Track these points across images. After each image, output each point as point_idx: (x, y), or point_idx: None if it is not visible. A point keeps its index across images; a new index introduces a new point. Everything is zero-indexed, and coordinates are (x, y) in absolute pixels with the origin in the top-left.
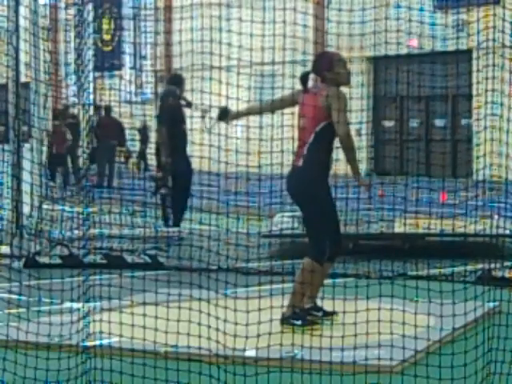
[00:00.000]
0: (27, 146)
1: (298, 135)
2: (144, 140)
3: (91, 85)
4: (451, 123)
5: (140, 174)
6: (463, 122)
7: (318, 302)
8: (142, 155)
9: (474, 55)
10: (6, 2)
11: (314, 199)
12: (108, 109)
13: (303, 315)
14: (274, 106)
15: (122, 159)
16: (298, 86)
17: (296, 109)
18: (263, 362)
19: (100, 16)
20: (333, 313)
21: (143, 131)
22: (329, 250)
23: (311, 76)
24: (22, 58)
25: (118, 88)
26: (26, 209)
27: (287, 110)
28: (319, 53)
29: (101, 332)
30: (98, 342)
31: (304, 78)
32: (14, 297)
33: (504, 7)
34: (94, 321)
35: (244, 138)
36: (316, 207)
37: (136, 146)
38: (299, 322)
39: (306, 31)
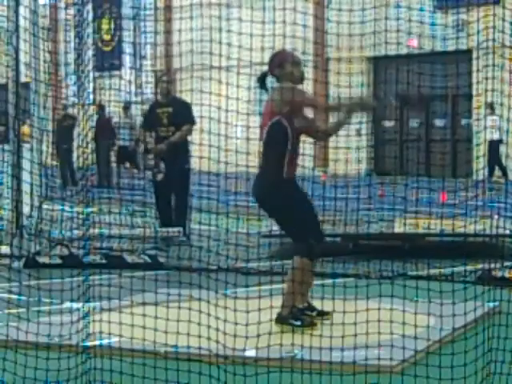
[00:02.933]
0: (27, 146)
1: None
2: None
3: (91, 85)
4: (451, 123)
5: (140, 173)
6: (463, 121)
7: (314, 303)
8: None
9: (474, 55)
10: (5, 2)
11: (277, 204)
12: (102, 107)
13: (301, 315)
14: None
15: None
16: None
17: None
18: (263, 362)
19: (100, 16)
20: (326, 313)
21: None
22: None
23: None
24: (22, 58)
25: (118, 88)
26: (25, 209)
27: None
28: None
29: (101, 332)
30: (98, 342)
31: (262, 79)
32: (14, 297)
33: (504, 7)
34: (93, 321)
35: (244, 138)
36: (282, 211)
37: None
38: (298, 323)
39: (305, 31)
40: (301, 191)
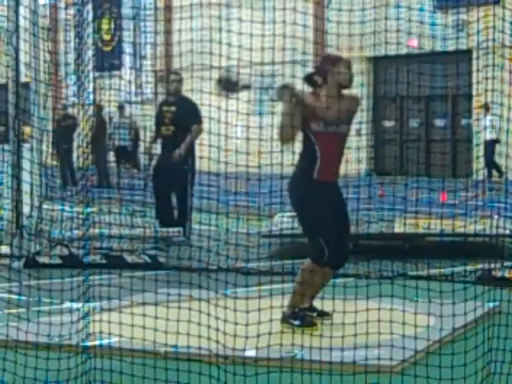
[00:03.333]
0: (27, 146)
1: None
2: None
3: (91, 85)
4: (451, 123)
5: (140, 173)
6: (463, 121)
7: (314, 303)
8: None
9: (474, 55)
10: (5, 2)
11: (301, 205)
12: (100, 108)
13: (302, 315)
14: None
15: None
16: (298, 86)
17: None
18: (263, 362)
19: (100, 16)
20: (327, 313)
21: (134, 130)
22: (330, 257)
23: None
24: (22, 58)
25: (118, 88)
26: (25, 209)
27: None
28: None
29: (101, 332)
30: (98, 342)
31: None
32: (14, 297)
33: (504, 7)
34: (93, 321)
35: (244, 138)
36: (305, 213)
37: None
38: (297, 322)
39: (306, 31)
40: (331, 197)
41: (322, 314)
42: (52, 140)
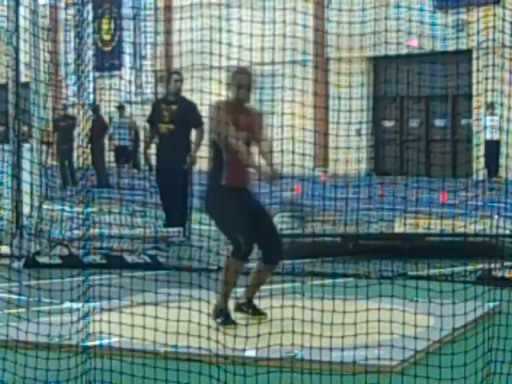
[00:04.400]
0: (27, 146)
1: None
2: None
3: (91, 85)
4: (451, 123)
5: (140, 173)
6: (463, 121)
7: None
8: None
9: (474, 55)
10: (5, 2)
11: (212, 206)
12: (98, 108)
13: (226, 313)
14: None
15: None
16: (299, 86)
17: (296, 109)
18: (263, 362)
19: (100, 16)
20: (263, 313)
21: (134, 130)
22: (265, 254)
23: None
24: (22, 58)
25: (118, 88)
26: (25, 209)
27: (287, 111)
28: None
29: (101, 332)
30: (98, 342)
31: None
32: (14, 297)
33: (504, 7)
34: (93, 321)
35: None
36: (216, 214)
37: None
38: (219, 320)
39: (306, 31)
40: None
41: (259, 314)
42: (52, 140)
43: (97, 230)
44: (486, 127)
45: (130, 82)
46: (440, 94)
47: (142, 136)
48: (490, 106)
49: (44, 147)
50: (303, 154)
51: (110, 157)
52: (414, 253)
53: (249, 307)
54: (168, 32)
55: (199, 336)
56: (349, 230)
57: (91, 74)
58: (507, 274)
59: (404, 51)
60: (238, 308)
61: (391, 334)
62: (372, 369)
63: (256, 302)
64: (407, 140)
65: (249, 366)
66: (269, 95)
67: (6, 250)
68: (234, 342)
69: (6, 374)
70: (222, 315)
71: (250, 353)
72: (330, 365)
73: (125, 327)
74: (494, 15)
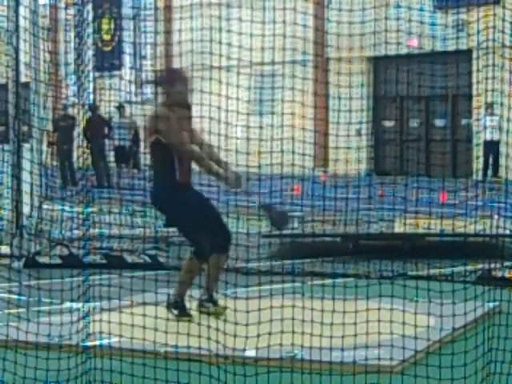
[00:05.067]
0: (27, 146)
1: None
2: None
3: (91, 85)
4: (451, 123)
5: (140, 173)
6: (463, 121)
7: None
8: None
9: (474, 55)
10: (5, 2)
11: (166, 210)
12: (96, 108)
13: (182, 306)
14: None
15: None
16: (299, 86)
17: (296, 109)
18: (263, 362)
19: (100, 16)
20: (224, 308)
21: (134, 130)
22: (216, 244)
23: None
24: (22, 58)
25: (118, 88)
26: (26, 209)
27: (287, 111)
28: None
29: (101, 332)
30: (98, 342)
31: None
32: (14, 297)
33: (504, 7)
34: (93, 321)
35: (244, 137)
36: (173, 216)
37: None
38: (176, 312)
39: (306, 31)
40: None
41: (220, 310)
42: (52, 140)
43: (97, 230)
44: (485, 127)
45: (130, 81)
46: (440, 94)
47: (142, 136)
48: (490, 106)
49: (45, 147)
50: (303, 154)
51: (110, 157)
52: (414, 253)
53: (210, 302)
54: (168, 32)
55: (199, 336)
56: (349, 230)
57: (91, 74)
58: (507, 274)
59: (404, 51)
60: (200, 305)
61: (391, 334)
62: (372, 369)
63: (256, 301)
64: (407, 140)
65: (249, 366)
66: (269, 95)
67: (5, 250)
68: (234, 342)
69: (6, 373)
70: (178, 307)
71: (250, 353)
72: (329, 365)
73: (125, 327)
74: (494, 15)
